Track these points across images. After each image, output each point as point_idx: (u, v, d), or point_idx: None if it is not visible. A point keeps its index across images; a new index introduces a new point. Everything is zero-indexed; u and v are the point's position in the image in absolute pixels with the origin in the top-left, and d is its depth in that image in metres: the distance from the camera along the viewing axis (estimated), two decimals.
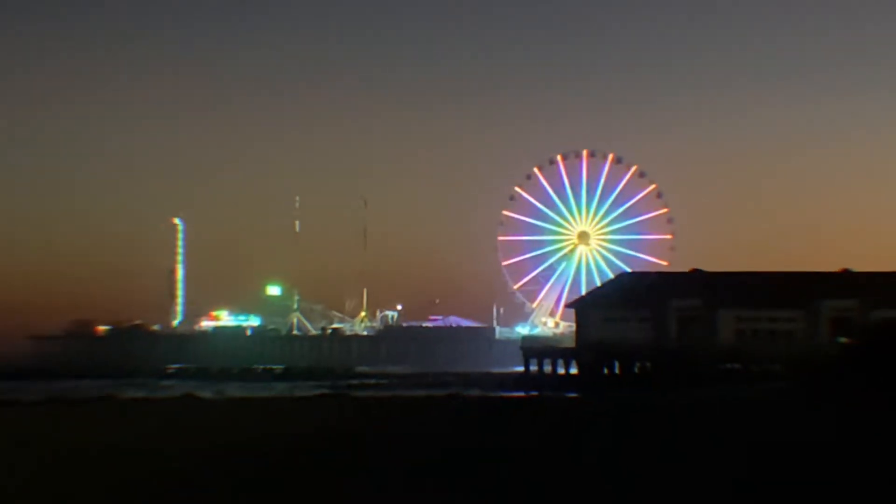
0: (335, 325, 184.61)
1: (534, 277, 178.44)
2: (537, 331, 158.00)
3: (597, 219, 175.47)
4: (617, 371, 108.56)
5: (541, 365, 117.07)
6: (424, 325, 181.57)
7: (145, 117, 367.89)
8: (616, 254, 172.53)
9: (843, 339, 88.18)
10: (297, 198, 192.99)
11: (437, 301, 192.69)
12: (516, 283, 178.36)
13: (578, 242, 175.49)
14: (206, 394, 78.51)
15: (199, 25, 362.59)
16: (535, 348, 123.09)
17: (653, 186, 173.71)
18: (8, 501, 23.94)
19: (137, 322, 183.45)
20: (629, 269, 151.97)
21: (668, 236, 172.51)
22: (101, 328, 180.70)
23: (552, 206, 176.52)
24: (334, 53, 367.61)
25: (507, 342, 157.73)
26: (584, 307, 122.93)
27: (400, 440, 36.15)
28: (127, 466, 29.04)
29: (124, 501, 24.65)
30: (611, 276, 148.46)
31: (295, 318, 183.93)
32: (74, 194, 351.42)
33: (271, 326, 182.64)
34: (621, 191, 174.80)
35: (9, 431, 40.80)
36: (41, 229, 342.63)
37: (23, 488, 26.17)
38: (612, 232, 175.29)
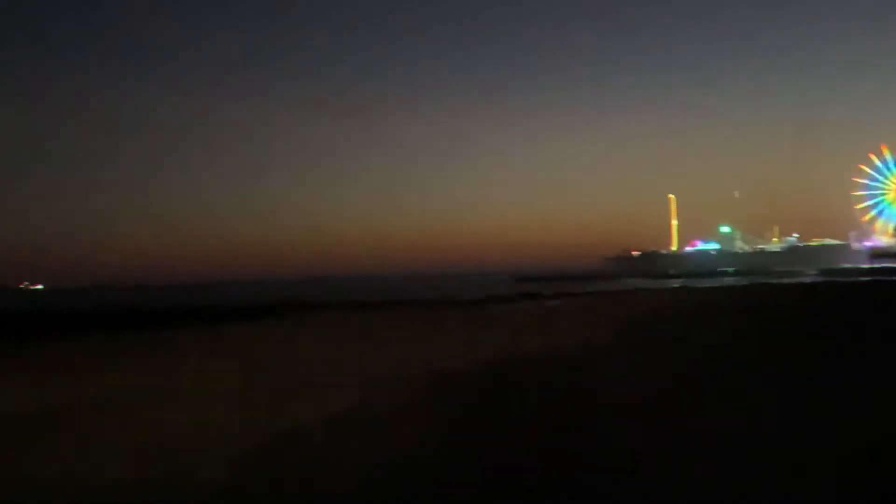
0: (760, 246, 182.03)
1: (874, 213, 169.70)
2: (879, 244, 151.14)
3: None
4: None
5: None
6: (809, 244, 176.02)
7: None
8: None
9: None
10: (736, 192, 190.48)
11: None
12: (863, 216, 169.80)
13: None
14: (696, 284, 75.39)
15: None
16: (876, 253, 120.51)
17: None
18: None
19: (653, 249, 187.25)
20: None
21: None
22: (635, 252, 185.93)
23: (882, 174, 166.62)
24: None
25: (859, 251, 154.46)
26: None
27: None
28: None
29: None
30: None
31: (738, 243, 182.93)
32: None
33: (726, 249, 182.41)
34: None
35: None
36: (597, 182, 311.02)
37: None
38: None
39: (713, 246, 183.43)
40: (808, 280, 72.39)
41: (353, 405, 10.77)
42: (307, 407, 10.91)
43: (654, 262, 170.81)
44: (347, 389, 12.17)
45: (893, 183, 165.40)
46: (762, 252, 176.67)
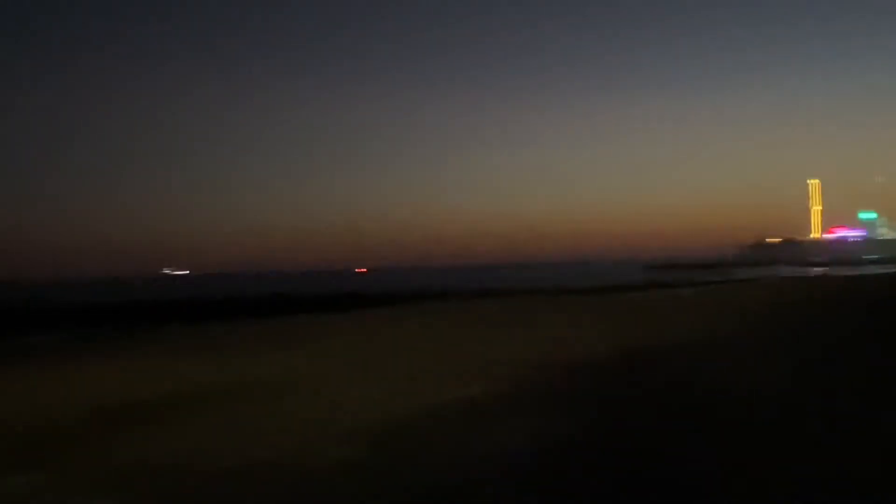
0: None
1: None
2: None
3: None
4: None
5: None
6: None
7: None
8: None
9: None
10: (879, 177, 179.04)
11: None
12: None
13: None
14: (839, 272, 71.96)
15: None
16: None
17: None
18: None
19: (791, 236, 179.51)
20: None
21: None
22: (772, 239, 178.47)
23: None
24: None
25: None
26: None
27: None
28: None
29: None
30: None
31: (883, 230, 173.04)
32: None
33: (870, 236, 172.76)
34: None
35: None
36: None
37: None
38: None
39: (858, 233, 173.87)
40: None
41: (484, 391, 10.87)
42: (442, 390, 11.09)
43: (794, 250, 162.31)
44: (478, 376, 12.32)
45: None
46: None
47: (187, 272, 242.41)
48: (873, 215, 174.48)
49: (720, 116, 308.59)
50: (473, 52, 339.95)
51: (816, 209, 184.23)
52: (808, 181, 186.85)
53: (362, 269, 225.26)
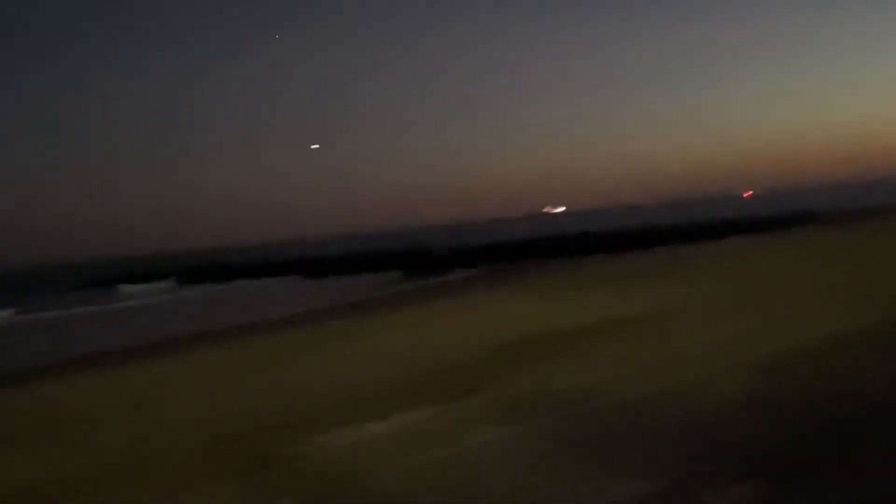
0: None
1: None
2: None
3: None
4: None
5: None
6: None
7: None
8: None
9: None
10: None
11: None
12: None
13: None
14: None
15: None
16: None
17: None
18: None
19: None
20: None
21: None
22: None
23: None
24: None
25: None
26: None
27: None
28: None
29: None
30: None
31: None
32: None
33: None
34: None
35: None
36: None
37: None
38: None
39: None
40: None
41: (885, 316, 10.11)
42: (841, 317, 10.47)
43: None
44: (876, 301, 11.53)
45: None
46: None
47: (564, 209, 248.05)
48: None
49: None
50: None
51: None
52: None
53: (748, 193, 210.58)
